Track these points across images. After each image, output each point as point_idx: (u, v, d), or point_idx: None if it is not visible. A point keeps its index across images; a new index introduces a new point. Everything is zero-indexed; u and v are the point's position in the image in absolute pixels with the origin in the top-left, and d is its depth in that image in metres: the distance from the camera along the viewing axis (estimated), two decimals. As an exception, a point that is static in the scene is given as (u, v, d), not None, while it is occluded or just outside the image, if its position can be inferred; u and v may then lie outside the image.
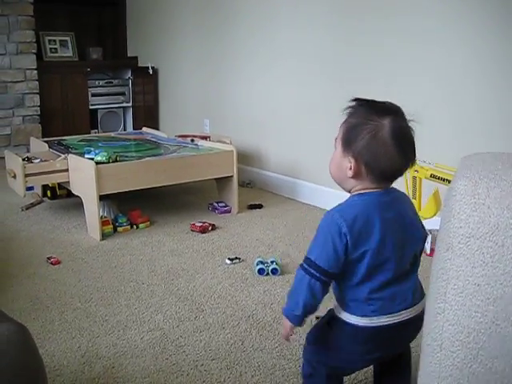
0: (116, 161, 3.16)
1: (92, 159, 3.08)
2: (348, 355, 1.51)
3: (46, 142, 3.90)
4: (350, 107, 1.47)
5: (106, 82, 5.69)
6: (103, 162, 3.09)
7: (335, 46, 3.51)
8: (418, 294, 1.48)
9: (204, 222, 3.23)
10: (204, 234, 3.17)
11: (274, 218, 3.48)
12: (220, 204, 3.59)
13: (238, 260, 2.77)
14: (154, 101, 5.54)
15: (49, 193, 3.87)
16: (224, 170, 3.47)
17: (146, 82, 5.57)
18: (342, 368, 1.58)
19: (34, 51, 5.11)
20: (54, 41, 5.60)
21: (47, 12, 5.44)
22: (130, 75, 5.75)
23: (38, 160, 3.40)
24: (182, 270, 2.66)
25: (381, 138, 1.39)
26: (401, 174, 1.46)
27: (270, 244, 3.03)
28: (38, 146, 3.92)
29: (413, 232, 1.48)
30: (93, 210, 3.08)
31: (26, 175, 3.18)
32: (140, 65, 5.70)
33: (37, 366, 1.17)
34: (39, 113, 5.20)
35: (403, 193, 1.57)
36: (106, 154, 3.12)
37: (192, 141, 3.87)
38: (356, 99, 1.48)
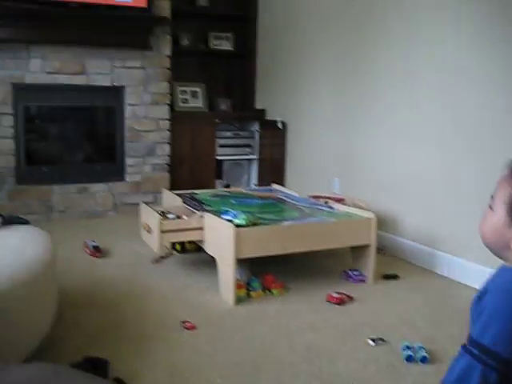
0: (255, 224, 3.07)
1: (230, 221, 3.01)
2: None
3: (178, 195, 3.90)
4: None
5: (234, 134, 5.73)
6: (242, 225, 3.01)
7: (480, 109, 3.30)
8: None
9: (341, 294, 3.07)
10: (341, 307, 3.01)
11: (412, 293, 3.26)
12: (355, 272, 3.42)
13: (381, 341, 2.58)
14: (281, 155, 5.48)
15: (178, 246, 3.84)
16: (361, 238, 3.31)
17: (274, 135, 5.54)
18: None
19: (167, 102, 5.23)
20: (186, 91, 5.72)
21: (180, 64, 5.56)
22: (257, 128, 5.76)
23: (173, 216, 3.38)
24: (323, 348, 2.50)
25: None
26: None
27: (412, 324, 2.82)
28: (171, 198, 3.92)
29: None
30: (227, 273, 3.00)
31: (162, 232, 3.16)
32: (268, 118, 5.70)
33: None
34: (168, 162, 5.28)
35: None
36: (245, 217, 3.04)
37: (326, 203, 3.74)
38: None
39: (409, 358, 2.39)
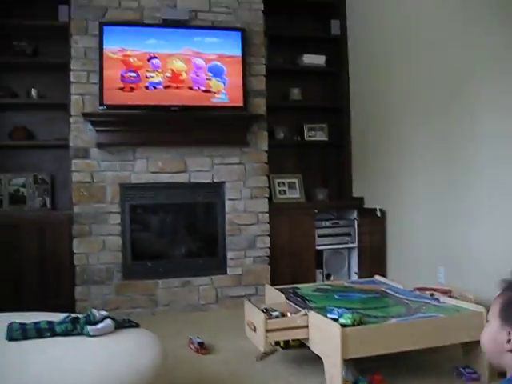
0: (360, 323, 3.03)
1: (336, 320, 2.99)
2: None
3: (280, 290, 3.92)
4: (505, 282, 1.53)
5: (332, 223, 5.74)
6: (347, 325, 2.98)
7: None
8: None
9: (454, 395, 2.94)
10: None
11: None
12: (467, 370, 3.27)
13: None
14: (381, 243, 5.42)
15: (282, 342, 3.83)
16: (471, 334, 3.17)
17: (373, 223, 5.51)
18: None
19: (266, 195, 5.35)
20: (283, 183, 5.83)
21: (276, 156, 5.69)
22: (355, 216, 5.75)
23: (277, 313, 3.39)
24: None
25: None
26: None
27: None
28: (274, 294, 3.94)
29: None
30: (334, 373, 2.95)
31: (267, 331, 3.17)
32: (366, 206, 5.68)
33: None
34: (269, 254, 5.34)
35: None
36: (350, 316, 3.01)
37: (431, 295, 3.65)
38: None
39: None
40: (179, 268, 5.24)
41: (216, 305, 5.20)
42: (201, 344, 3.91)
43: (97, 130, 4.91)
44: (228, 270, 5.27)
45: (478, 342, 3.17)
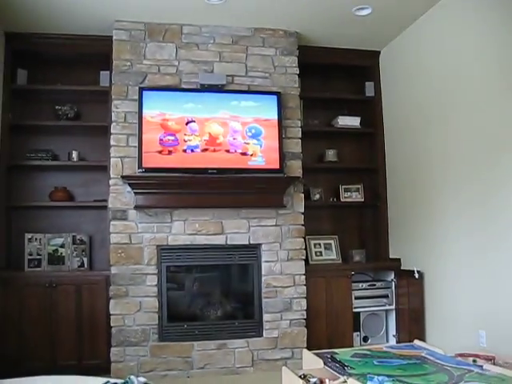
0: (401, 392, 2.96)
1: (378, 389, 2.93)
2: None
3: (318, 355, 3.86)
4: None
5: (369, 285, 5.69)
6: (388, 394, 2.91)
7: None
8: None
9: None
10: None
11: None
12: None
13: None
14: (420, 305, 5.31)
15: (320, 409, 3.75)
16: (518, 404, 3.07)
17: (411, 285, 5.43)
18: None
19: (303, 257, 5.34)
20: (319, 244, 5.82)
21: (312, 217, 5.71)
22: (393, 277, 5.69)
23: (315, 379, 3.33)
24: None
25: None
26: None
27: None
28: (311, 359, 3.88)
29: None
30: None
31: (306, 399, 3.11)
32: (403, 267, 5.62)
33: None
34: (305, 317, 5.29)
35: None
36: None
37: (474, 361, 3.55)
38: None
39: None
40: (215, 330, 5.21)
41: (252, 368, 5.14)
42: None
43: (135, 193, 5.00)
44: (264, 332, 5.22)
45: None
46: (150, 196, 5.02)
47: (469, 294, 4.61)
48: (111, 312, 4.96)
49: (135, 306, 5.00)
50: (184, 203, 5.07)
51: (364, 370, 3.37)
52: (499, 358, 3.66)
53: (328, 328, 5.40)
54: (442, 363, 3.62)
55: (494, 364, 3.50)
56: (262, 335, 5.22)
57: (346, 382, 3.19)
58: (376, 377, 3.07)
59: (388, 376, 3.16)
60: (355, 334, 5.55)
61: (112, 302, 4.97)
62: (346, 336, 5.41)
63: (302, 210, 5.37)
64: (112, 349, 4.93)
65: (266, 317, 5.23)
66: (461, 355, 3.76)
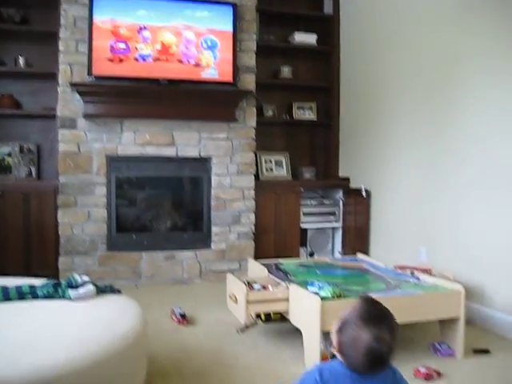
0: (340, 296, 3.07)
1: (316, 293, 3.02)
2: None
3: (263, 264, 3.95)
4: (358, 300, 1.72)
5: (318, 202, 5.77)
6: (327, 298, 3.01)
7: None
8: None
9: (428, 368, 2.98)
10: (429, 382, 2.92)
11: (506, 371, 3.11)
12: (443, 346, 3.32)
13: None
14: (366, 223, 5.45)
15: (263, 316, 3.86)
16: (449, 311, 3.23)
17: (358, 203, 5.55)
18: None
19: (253, 172, 5.37)
20: (270, 160, 5.84)
21: (264, 133, 5.72)
22: (341, 196, 5.79)
23: (258, 286, 3.43)
24: (412, 429, 2.43)
25: (357, 346, 1.61)
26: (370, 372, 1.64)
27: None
28: (256, 268, 3.97)
29: None
30: (313, 345, 2.99)
31: (248, 302, 3.20)
32: (352, 186, 5.71)
33: None
34: (253, 230, 5.37)
35: (390, 369, 1.72)
36: (330, 289, 3.04)
37: (412, 273, 3.69)
38: (361, 297, 1.76)
39: None
40: (164, 241, 5.25)
41: (199, 279, 5.23)
42: (183, 315, 3.93)
43: (84, 101, 4.88)
44: (212, 244, 5.30)
45: (454, 320, 3.25)
46: (99, 105, 4.92)
47: (412, 213, 4.74)
48: (59, 221, 4.94)
49: (84, 216, 4.98)
50: (134, 113, 4.98)
51: (306, 278, 3.47)
52: (436, 271, 3.81)
53: (275, 242, 5.51)
54: (382, 274, 3.75)
55: (430, 276, 3.65)
56: (210, 247, 5.30)
57: (287, 288, 3.28)
58: (316, 282, 3.17)
59: (329, 283, 3.26)
60: (302, 249, 5.67)
61: (60, 211, 4.93)
62: (293, 251, 5.53)
63: (254, 125, 5.35)
64: (60, 258, 4.94)
65: (214, 229, 5.29)
66: (400, 267, 3.90)
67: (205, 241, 5.31)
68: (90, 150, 4.97)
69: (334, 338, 1.71)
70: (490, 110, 3.86)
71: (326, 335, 3.20)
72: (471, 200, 4.04)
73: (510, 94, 3.68)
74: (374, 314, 1.68)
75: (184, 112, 5.07)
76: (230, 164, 5.28)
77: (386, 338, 1.63)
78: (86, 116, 4.90)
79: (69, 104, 4.91)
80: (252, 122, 5.35)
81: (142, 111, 4.99)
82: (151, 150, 5.10)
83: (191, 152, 5.20)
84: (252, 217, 5.37)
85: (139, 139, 5.06)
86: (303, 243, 5.71)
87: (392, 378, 1.74)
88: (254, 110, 5.37)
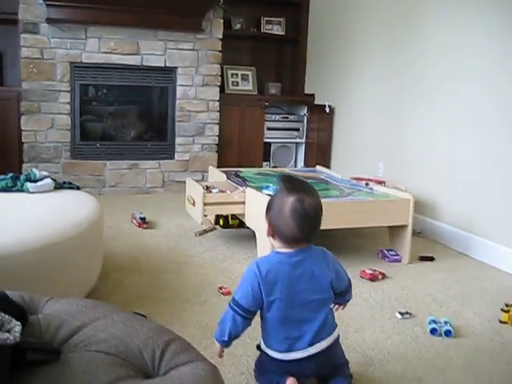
0: (292, 198, 3.18)
1: (270, 195, 3.13)
2: (271, 378, 1.85)
3: (223, 172, 4.04)
4: (279, 179, 1.85)
5: (282, 117, 5.83)
6: (280, 199, 3.12)
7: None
8: (326, 331, 1.83)
9: (374, 270, 3.15)
10: (374, 283, 3.09)
11: (446, 274, 3.32)
12: (390, 252, 3.49)
13: (408, 315, 2.66)
14: (328, 139, 5.55)
15: (221, 221, 4.00)
16: (398, 219, 3.37)
17: (322, 119, 5.62)
18: None
19: (218, 84, 5.37)
20: (237, 74, 5.85)
21: (232, 47, 5.70)
22: (305, 112, 5.85)
23: (217, 190, 3.52)
24: (351, 319, 2.59)
25: (283, 214, 1.74)
26: (304, 241, 1.81)
27: (442, 301, 2.88)
28: (216, 174, 4.07)
29: (320, 283, 1.81)
30: (265, 246, 3.12)
31: (205, 204, 3.30)
32: (316, 102, 5.77)
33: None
34: (217, 142, 5.43)
35: (320, 249, 1.88)
36: (283, 191, 3.15)
37: (367, 184, 3.82)
38: (281, 176, 1.89)
39: (433, 331, 2.47)
40: (127, 151, 5.29)
41: (162, 188, 5.32)
42: (143, 219, 4.04)
43: (47, 5, 4.77)
44: (176, 155, 5.36)
45: (402, 227, 3.40)
46: (63, 9, 4.82)
47: (373, 130, 4.85)
48: (22, 128, 4.93)
49: (47, 123, 4.98)
50: (99, 20, 4.90)
51: (263, 184, 3.57)
52: (390, 183, 3.94)
53: (239, 155, 5.58)
54: (337, 183, 3.87)
55: (384, 186, 3.77)
56: (173, 158, 5.36)
57: (243, 191, 3.38)
58: (271, 185, 3.27)
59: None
60: (265, 163, 5.76)
61: (23, 118, 4.92)
62: (256, 164, 5.60)
63: (220, 36, 5.31)
64: (24, 165, 4.96)
65: (178, 140, 5.34)
66: (355, 178, 4.02)
67: (169, 151, 5.36)
68: (53, 57, 4.90)
69: (265, 223, 1.82)
70: (452, 24, 3.91)
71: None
72: (426, 118, 4.15)
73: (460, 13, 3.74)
74: (297, 185, 1.82)
75: (150, 20, 5.00)
76: (196, 75, 5.28)
77: (309, 201, 1.74)
78: (49, 21, 4.81)
79: (31, 8, 4.80)
80: (218, 33, 5.31)
81: (106, 18, 4.91)
82: (116, 58, 5.06)
83: (156, 62, 5.16)
84: (216, 129, 5.42)
85: (104, 47, 5.00)
86: (267, 158, 5.80)
87: (323, 257, 1.87)
88: (221, 21, 5.32)
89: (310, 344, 1.80)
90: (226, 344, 1.86)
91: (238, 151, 5.60)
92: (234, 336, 1.84)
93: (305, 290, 1.80)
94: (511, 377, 2.15)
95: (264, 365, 1.91)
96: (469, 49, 3.74)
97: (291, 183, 1.82)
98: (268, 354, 1.86)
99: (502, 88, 3.47)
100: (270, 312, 1.80)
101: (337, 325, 1.91)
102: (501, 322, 2.66)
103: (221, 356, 1.89)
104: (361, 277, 3.15)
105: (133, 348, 1.22)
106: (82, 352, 1.19)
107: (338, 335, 1.90)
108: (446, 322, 2.51)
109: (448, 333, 2.46)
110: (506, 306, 2.73)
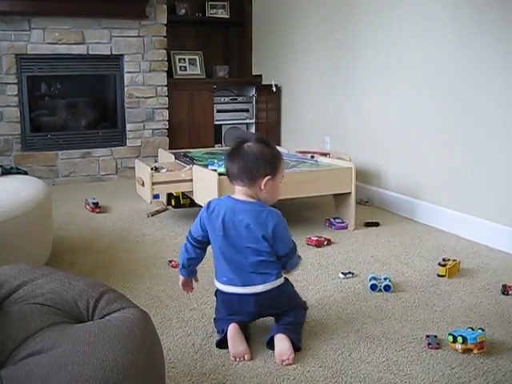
0: (238, 172, 3.28)
1: (215, 170, 3.23)
2: (221, 325, 2.08)
3: (172, 153, 4.13)
4: None
5: (231, 99, 5.93)
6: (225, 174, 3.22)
7: (458, 67, 3.46)
8: (260, 278, 2.02)
9: (320, 237, 3.28)
10: (319, 248, 3.22)
11: (390, 237, 3.47)
12: (337, 220, 3.63)
13: (351, 275, 2.79)
14: (277, 117, 5.68)
15: (173, 201, 4.08)
16: (342, 187, 3.51)
17: (269, 99, 5.73)
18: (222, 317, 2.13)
19: (165, 69, 5.44)
20: (184, 59, 5.91)
21: (178, 32, 5.76)
22: (254, 93, 5.95)
23: (165, 170, 3.61)
24: (296, 281, 2.71)
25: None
26: (238, 180, 2.06)
27: (384, 261, 3.03)
28: (166, 156, 4.15)
29: (254, 234, 2.00)
30: (213, 219, 3.22)
31: (154, 183, 3.39)
32: (264, 83, 5.87)
33: (156, 347, 1.27)
34: (167, 127, 5.51)
35: (263, 209, 2.05)
36: (227, 165, 3.25)
37: (312, 157, 3.94)
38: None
39: (373, 287, 2.61)
40: (79, 140, 5.32)
41: (116, 175, 5.38)
42: (96, 204, 4.10)
43: (-13, -3, 4.78)
44: (127, 141, 5.41)
45: (347, 195, 3.54)
46: (5, 1, 4.78)
47: (318, 106, 4.98)
48: (-30, 122, 4.93)
49: (-4, 116, 4.98)
50: (42, 10, 4.88)
51: (209, 161, 3.66)
52: (334, 154, 4.07)
53: (190, 139, 5.65)
54: (284, 158, 3.96)
55: (328, 158, 3.90)
56: (125, 144, 5.41)
57: (191, 169, 3.48)
58: (216, 161, 3.36)
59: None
60: (217, 145, 5.84)
61: (-29, 111, 4.92)
62: (208, 147, 5.68)
63: (165, 22, 5.36)
64: (-26, 159, 4.96)
65: (128, 126, 5.39)
66: (302, 152, 4.14)
67: (120, 138, 5.42)
68: (-3, 50, 4.91)
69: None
70: (389, 9, 4.05)
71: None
72: (368, 90, 4.30)
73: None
74: (252, 135, 2.21)
75: (93, 9, 5.01)
76: (142, 61, 5.32)
77: (252, 146, 2.06)
78: (-10, 13, 4.81)
79: (-29, 0, 4.79)
80: (163, 19, 5.36)
81: (50, 8, 4.90)
82: (62, 49, 5.07)
83: (103, 50, 5.19)
84: (166, 114, 5.48)
85: (49, 37, 5.01)
86: (218, 140, 5.89)
87: (259, 215, 2.03)
88: (165, 6, 5.37)
89: (244, 285, 2.02)
90: (184, 272, 2.15)
91: (189, 135, 5.67)
92: (188, 263, 2.13)
93: (240, 236, 2.00)
94: (444, 323, 2.29)
95: (217, 309, 2.18)
96: (405, 23, 3.89)
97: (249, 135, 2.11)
98: (218, 289, 2.12)
99: (437, 53, 3.62)
100: (213, 245, 2.07)
101: (282, 277, 2.11)
102: (439, 275, 2.81)
103: (185, 289, 2.21)
104: (307, 244, 3.28)
105: (68, 299, 1.32)
106: (21, 305, 1.28)
107: (280, 285, 2.08)
108: (385, 278, 2.65)
109: (387, 288, 2.60)
110: (444, 260, 2.88)
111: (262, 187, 2.04)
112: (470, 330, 2.07)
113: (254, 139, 2.06)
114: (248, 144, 2.03)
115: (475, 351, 2.00)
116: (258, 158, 2.02)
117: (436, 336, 2.13)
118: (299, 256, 2.18)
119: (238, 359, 1.97)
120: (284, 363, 1.95)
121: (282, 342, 1.99)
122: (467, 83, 3.39)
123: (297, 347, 2.02)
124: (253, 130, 6.00)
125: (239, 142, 2.05)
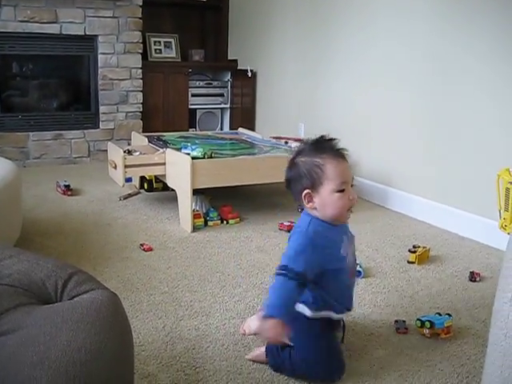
0: (211, 157, 3.28)
1: (188, 154, 3.22)
2: None
3: (146, 136, 4.09)
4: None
5: (206, 83, 5.89)
6: (199, 158, 3.21)
7: (427, 54, 3.48)
8: None
9: (292, 222, 3.29)
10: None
11: (361, 224, 3.49)
12: (308, 206, 3.64)
13: (321, 259, 2.80)
14: (252, 103, 5.67)
15: (146, 185, 4.06)
16: (314, 173, 3.51)
17: (245, 84, 5.71)
18: None
19: (139, 51, 5.37)
20: (159, 42, 5.86)
21: (154, 15, 5.69)
22: (229, 77, 5.92)
23: (138, 153, 3.58)
24: (267, 266, 2.73)
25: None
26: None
27: (355, 248, 3.05)
28: (139, 139, 4.12)
29: None
30: (186, 203, 3.21)
31: (126, 166, 3.36)
32: (239, 67, 5.84)
33: (125, 329, 1.27)
34: (141, 109, 5.45)
35: (296, 225, 1.89)
36: (201, 149, 3.24)
37: (286, 143, 3.94)
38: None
39: (344, 272, 2.62)
40: (51, 121, 5.23)
41: (88, 158, 5.31)
42: (67, 186, 4.05)
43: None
44: (100, 124, 5.34)
45: (319, 181, 3.53)
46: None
47: (293, 92, 4.98)
48: None
49: (-34, 96, 4.89)
50: (14, -13, 4.82)
51: (182, 145, 3.64)
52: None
53: (164, 122, 5.60)
54: (258, 143, 3.98)
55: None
56: (98, 127, 5.34)
57: (164, 153, 3.46)
58: (189, 145, 3.35)
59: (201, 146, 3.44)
60: (191, 129, 5.81)
61: None
62: (182, 131, 5.64)
63: (140, 3, 5.26)
64: None
65: (102, 109, 5.31)
66: (275, 138, 4.14)
67: (93, 120, 5.34)
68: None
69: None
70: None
71: (199, 197, 3.45)
72: (344, 78, 4.31)
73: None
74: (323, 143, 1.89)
75: (66, -13, 4.95)
76: (117, 43, 5.25)
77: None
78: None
79: None
80: (139, 0, 5.29)
81: (21, -15, 4.83)
82: (34, 27, 4.97)
83: (76, 30, 5.10)
84: (140, 96, 5.43)
85: (20, 15, 4.90)
86: (193, 124, 5.85)
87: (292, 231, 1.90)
88: (141, -13, 5.31)
89: None
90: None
91: (163, 118, 5.62)
92: None
93: None
94: (413, 308, 2.33)
95: None
96: (378, 3, 3.90)
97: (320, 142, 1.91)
98: None
99: (411, 40, 3.64)
100: None
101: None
102: (409, 262, 2.85)
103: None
104: (279, 229, 3.29)
105: (36, 280, 1.30)
106: (-13, 287, 1.26)
107: None
108: (356, 264, 2.67)
109: (358, 273, 2.61)
110: (414, 247, 2.92)
111: (305, 203, 1.82)
112: (437, 315, 2.11)
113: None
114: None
115: (442, 336, 2.04)
116: (298, 170, 1.85)
117: (404, 321, 2.16)
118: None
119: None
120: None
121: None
122: (438, 72, 3.42)
123: None
124: (228, 114, 5.98)
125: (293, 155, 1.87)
